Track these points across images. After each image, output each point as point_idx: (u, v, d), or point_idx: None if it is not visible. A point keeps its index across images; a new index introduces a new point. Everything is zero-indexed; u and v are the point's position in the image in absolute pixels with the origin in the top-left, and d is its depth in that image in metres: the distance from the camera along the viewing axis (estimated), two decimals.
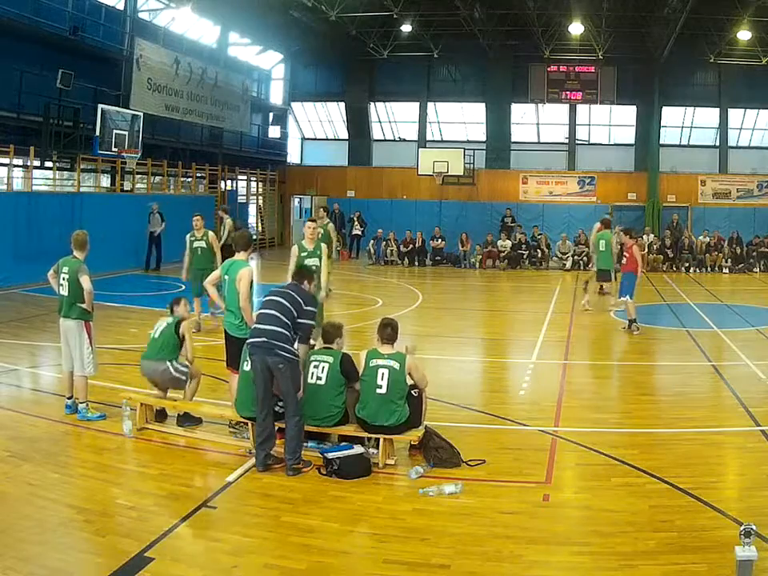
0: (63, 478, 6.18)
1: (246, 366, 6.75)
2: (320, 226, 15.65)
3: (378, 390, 6.64)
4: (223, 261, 8.32)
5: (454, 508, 5.81)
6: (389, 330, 6.88)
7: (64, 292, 7.88)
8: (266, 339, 6.47)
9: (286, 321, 6.57)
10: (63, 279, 7.91)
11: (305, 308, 6.74)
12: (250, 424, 6.93)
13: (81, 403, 7.77)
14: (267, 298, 6.81)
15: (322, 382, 6.79)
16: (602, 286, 16.76)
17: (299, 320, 6.67)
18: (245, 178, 30.90)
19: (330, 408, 6.80)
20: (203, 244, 12.88)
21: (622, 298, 13.60)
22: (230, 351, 7.53)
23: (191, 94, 24.46)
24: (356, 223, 28.30)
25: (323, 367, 6.82)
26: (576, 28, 24.96)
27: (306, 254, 9.94)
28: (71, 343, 7.84)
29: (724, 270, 24.60)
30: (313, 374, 6.83)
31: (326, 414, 6.80)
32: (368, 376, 6.73)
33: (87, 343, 7.82)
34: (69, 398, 7.92)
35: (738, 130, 30.20)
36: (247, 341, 6.71)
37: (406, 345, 7.18)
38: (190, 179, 27.09)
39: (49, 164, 19.63)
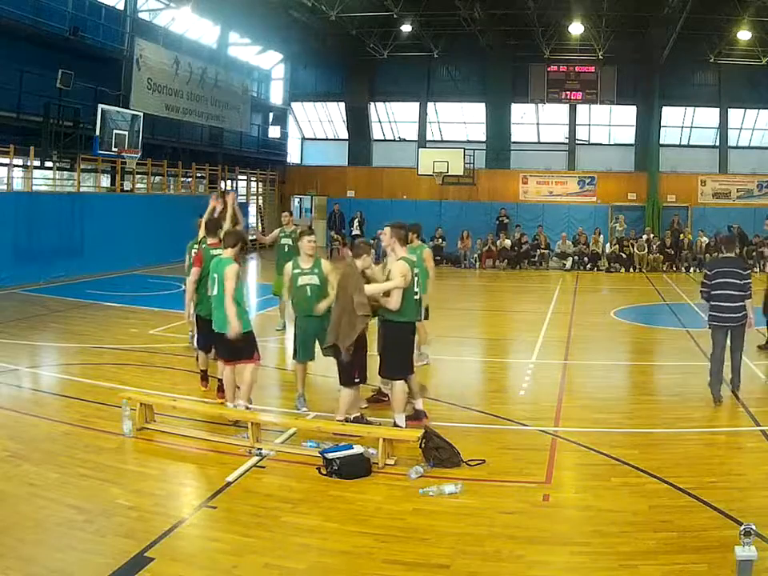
0: (63, 478, 6.18)
1: None
2: (286, 235, 12.67)
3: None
4: None
5: (454, 508, 5.80)
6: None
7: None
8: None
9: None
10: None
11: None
12: (250, 423, 6.96)
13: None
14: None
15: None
16: None
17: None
18: (245, 178, 30.91)
19: None
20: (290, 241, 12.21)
21: None
22: (226, 345, 7.69)
23: (191, 94, 24.45)
24: (356, 223, 28.27)
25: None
26: (576, 28, 24.97)
27: (299, 271, 8.16)
28: None
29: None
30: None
31: None
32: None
33: None
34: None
35: (738, 130, 30.20)
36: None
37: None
38: (189, 179, 27.10)
39: (49, 164, 19.63)
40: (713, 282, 9.02)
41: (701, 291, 9.31)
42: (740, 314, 8.90)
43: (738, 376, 9.22)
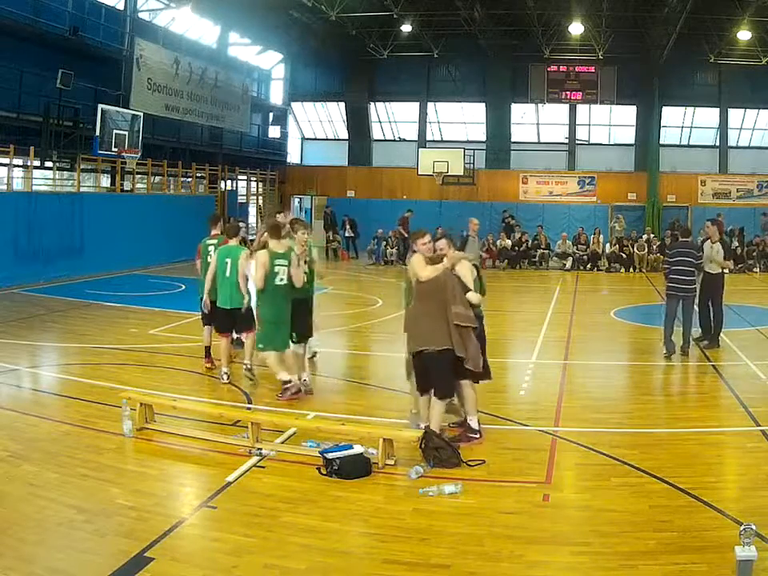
0: (63, 478, 6.17)
1: None
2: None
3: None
4: None
5: (454, 508, 5.80)
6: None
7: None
8: None
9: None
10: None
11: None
12: (250, 423, 6.95)
13: None
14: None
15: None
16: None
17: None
18: (245, 178, 30.93)
19: None
20: None
21: None
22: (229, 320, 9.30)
23: (191, 94, 24.46)
24: (347, 227, 28.05)
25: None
26: (576, 28, 24.97)
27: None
28: None
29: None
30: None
31: None
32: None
33: None
34: None
35: (738, 130, 30.23)
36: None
37: None
38: (189, 179, 27.10)
39: (49, 164, 19.63)
40: (673, 260, 11.22)
41: (663, 268, 11.45)
42: (691, 287, 11.09)
43: (688, 341, 11.19)
